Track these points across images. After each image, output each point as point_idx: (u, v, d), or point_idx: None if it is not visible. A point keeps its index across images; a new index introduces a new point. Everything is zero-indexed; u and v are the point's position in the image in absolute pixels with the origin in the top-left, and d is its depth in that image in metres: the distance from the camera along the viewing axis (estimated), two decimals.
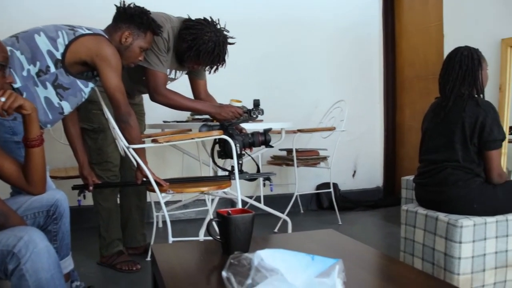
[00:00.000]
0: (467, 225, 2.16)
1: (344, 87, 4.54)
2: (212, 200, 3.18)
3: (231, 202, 3.96)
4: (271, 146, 2.80)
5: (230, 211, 1.48)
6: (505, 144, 3.19)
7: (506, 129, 3.26)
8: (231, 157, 2.52)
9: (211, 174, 3.18)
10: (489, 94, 2.77)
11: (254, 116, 2.73)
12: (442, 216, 2.26)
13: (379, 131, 4.87)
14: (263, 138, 2.71)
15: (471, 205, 2.23)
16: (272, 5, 4.32)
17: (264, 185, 3.78)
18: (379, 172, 4.89)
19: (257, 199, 3.93)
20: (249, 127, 2.88)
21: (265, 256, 1.09)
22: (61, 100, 2.17)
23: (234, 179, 2.54)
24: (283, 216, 3.38)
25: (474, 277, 2.21)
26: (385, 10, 4.80)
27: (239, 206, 2.46)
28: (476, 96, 2.32)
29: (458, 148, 2.26)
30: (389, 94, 4.82)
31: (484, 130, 2.21)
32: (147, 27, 2.36)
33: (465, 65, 2.33)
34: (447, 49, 3.66)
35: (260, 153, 3.57)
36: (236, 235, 1.44)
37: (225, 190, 2.76)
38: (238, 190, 2.49)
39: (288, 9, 4.37)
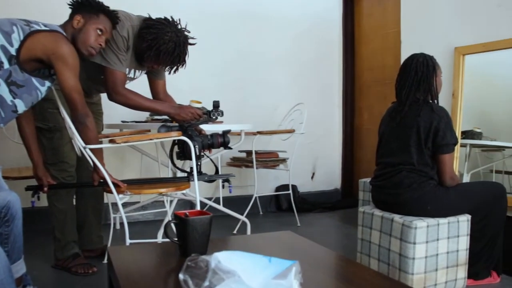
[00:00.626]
0: (421, 226, 2.23)
1: (304, 90, 4.58)
2: (171, 201, 3.15)
3: (190, 204, 3.93)
4: (230, 148, 2.80)
5: (187, 213, 1.47)
6: (457, 148, 3.31)
7: (458, 134, 3.37)
8: (190, 158, 2.51)
9: (170, 175, 3.16)
10: (443, 100, 2.86)
11: (214, 117, 2.72)
12: (397, 217, 2.32)
13: (338, 134, 4.95)
14: (222, 140, 2.71)
15: (425, 207, 2.29)
16: (232, 5, 4.32)
17: (223, 186, 3.78)
18: (337, 174, 4.96)
19: (216, 200, 3.93)
20: (208, 128, 2.87)
21: (222, 258, 1.09)
22: (14, 98, 2.10)
23: (193, 180, 2.52)
24: (242, 217, 3.38)
25: (427, 277, 2.27)
26: (345, 14, 4.88)
27: (198, 207, 2.45)
28: (430, 101, 2.39)
29: (413, 152, 2.33)
30: (348, 97, 4.90)
31: (437, 134, 2.28)
32: (97, 9, 2.32)
33: (420, 71, 2.40)
34: (404, 55, 3.76)
35: (220, 155, 3.56)
36: (193, 237, 1.43)
37: (184, 191, 2.74)
38: (197, 192, 2.48)
39: (248, 10, 4.39)
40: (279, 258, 1.16)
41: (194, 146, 2.51)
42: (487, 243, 2.46)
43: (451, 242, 2.33)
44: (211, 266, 1.07)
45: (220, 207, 3.38)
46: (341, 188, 4.95)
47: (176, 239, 1.49)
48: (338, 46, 4.89)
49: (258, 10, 4.43)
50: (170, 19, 2.59)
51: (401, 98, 2.44)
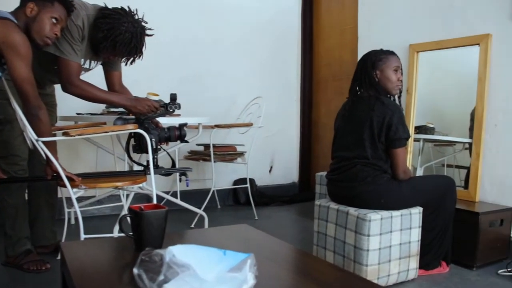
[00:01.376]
0: (375, 218, 2.28)
1: (262, 83, 4.60)
2: (127, 195, 3.10)
3: (147, 198, 3.89)
4: (187, 141, 2.79)
5: (142, 207, 1.46)
6: (410, 142, 3.40)
7: (412, 129, 3.47)
8: (147, 152, 2.48)
9: (126, 169, 3.11)
10: None
11: (171, 110, 2.70)
12: (352, 210, 2.36)
13: (296, 128, 4.99)
14: (179, 133, 2.69)
15: (379, 200, 2.35)
16: None
17: (180, 180, 3.75)
18: (295, 168, 5.01)
19: (174, 194, 3.90)
20: (165, 121, 2.84)
21: (177, 252, 1.08)
22: None
23: (150, 174, 2.50)
24: (200, 211, 3.37)
25: (381, 268, 2.33)
26: (304, 10, 4.92)
27: (154, 201, 2.42)
28: (383, 96, 2.44)
29: (367, 146, 2.37)
30: (305, 92, 4.95)
31: (390, 129, 2.34)
32: None
33: (360, 67, 2.52)
34: (361, 51, 3.83)
35: (177, 148, 3.53)
36: (148, 231, 1.42)
37: (141, 185, 2.71)
38: (153, 185, 2.46)
39: (207, 1, 4.35)
40: (234, 251, 1.16)
41: (151, 139, 2.48)
42: (437, 235, 2.54)
43: (404, 234, 2.40)
44: (166, 260, 1.06)
45: (178, 201, 3.36)
46: (299, 181, 5.01)
47: (131, 233, 1.47)
48: (297, 41, 4.92)
49: (216, 2, 4.40)
50: (127, 9, 2.54)
51: (355, 93, 2.53)
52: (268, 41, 4.71)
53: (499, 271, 2.69)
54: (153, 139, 2.54)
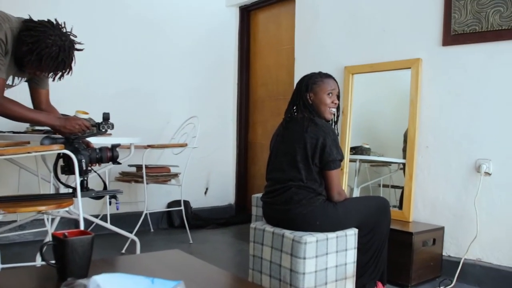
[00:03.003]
0: (311, 241, 2.25)
1: (198, 103, 4.54)
2: (53, 220, 2.92)
3: (76, 222, 3.69)
4: (119, 163, 2.67)
5: (66, 233, 1.35)
6: (346, 163, 3.44)
7: (347, 150, 3.51)
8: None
9: (52, 191, 2.93)
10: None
11: (104, 130, 2.57)
12: (288, 233, 2.33)
13: (232, 148, 4.95)
14: (111, 154, 2.57)
15: (314, 222, 2.33)
16: (124, 10, 4.14)
17: (110, 203, 3.60)
18: (231, 190, 4.95)
19: (104, 218, 3.72)
20: (95, 141, 2.71)
21: (101, 281, 1.02)
22: None
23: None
24: (131, 235, 3.24)
25: None
26: (241, 29, 4.93)
27: (81, 226, 2.28)
28: (316, 118, 2.45)
29: (301, 168, 2.36)
30: (242, 112, 4.94)
31: (324, 151, 2.34)
32: None
33: (295, 90, 2.56)
34: (297, 72, 3.88)
35: (107, 169, 3.39)
36: (72, 259, 1.30)
37: (67, 208, 2.55)
38: (80, 209, 2.32)
39: (142, 18, 4.25)
40: (163, 278, 1.10)
41: (80, 161, 2.35)
42: (373, 255, 2.55)
43: (340, 256, 2.38)
44: None
45: (107, 225, 3.21)
46: (235, 203, 4.95)
47: (53, 261, 1.35)
48: (234, 60, 4.92)
49: (151, 19, 4.30)
50: (54, 22, 2.41)
51: (290, 115, 2.54)
52: (204, 60, 4.66)
53: None
54: (83, 160, 2.41)
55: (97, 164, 2.61)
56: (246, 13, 4.92)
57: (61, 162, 2.49)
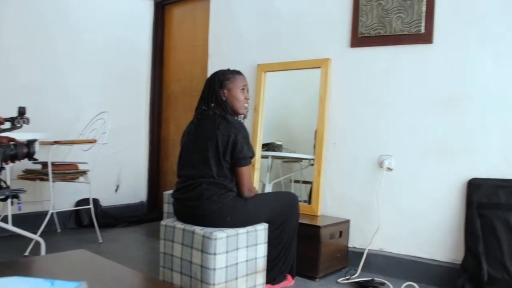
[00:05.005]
0: (221, 237, 2.26)
1: (110, 98, 4.40)
2: None
3: None
4: (36, 159, 2.51)
5: None
6: (257, 160, 3.49)
7: (259, 146, 3.56)
8: None
9: None
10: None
11: (19, 125, 2.41)
12: (198, 229, 2.32)
13: (144, 144, 4.85)
14: (27, 150, 2.42)
15: (225, 218, 2.34)
16: (31, 4, 3.93)
17: (12, 203, 3.39)
18: (143, 187, 4.85)
19: (5, 219, 3.50)
20: None
21: None
22: None
23: None
24: (35, 236, 3.07)
25: (228, 286, 2.32)
26: (155, 24, 4.83)
27: None
28: (227, 115, 2.46)
29: (212, 164, 2.37)
30: (155, 107, 4.85)
31: (235, 148, 2.36)
32: None
33: (207, 86, 2.56)
34: (211, 68, 3.87)
35: (9, 167, 3.19)
36: None
37: None
38: None
39: (53, 6, 4.03)
40: (64, 280, 1.06)
41: None
42: (282, 249, 2.61)
43: (250, 251, 2.41)
44: None
45: (9, 226, 3.03)
46: (147, 200, 4.86)
47: None
48: (147, 55, 4.82)
49: (63, 13, 4.10)
50: None
51: (201, 111, 2.52)
52: (117, 55, 4.52)
53: (339, 280, 2.89)
54: None
55: (13, 162, 2.45)
56: (161, 8, 4.83)
57: None
